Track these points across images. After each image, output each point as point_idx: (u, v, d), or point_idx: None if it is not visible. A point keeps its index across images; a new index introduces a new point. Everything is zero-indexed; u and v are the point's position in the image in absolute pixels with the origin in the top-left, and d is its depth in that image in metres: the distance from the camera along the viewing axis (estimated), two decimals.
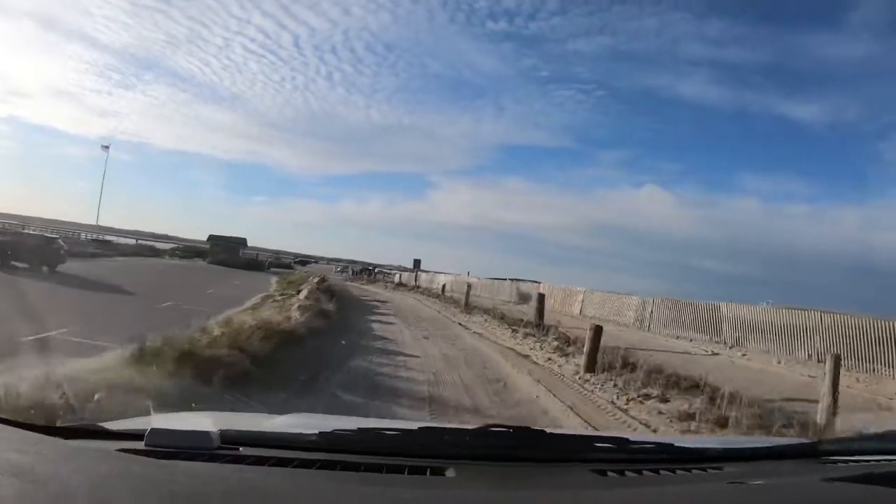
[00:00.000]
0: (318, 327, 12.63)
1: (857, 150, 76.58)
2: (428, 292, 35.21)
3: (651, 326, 23.64)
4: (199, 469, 1.36)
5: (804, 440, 2.53)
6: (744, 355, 18.77)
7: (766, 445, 2.21)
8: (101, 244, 55.77)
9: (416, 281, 45.24)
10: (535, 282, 39.14)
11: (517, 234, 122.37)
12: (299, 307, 13.03)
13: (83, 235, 65.49)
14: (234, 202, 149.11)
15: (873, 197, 79.09)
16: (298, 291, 22.78)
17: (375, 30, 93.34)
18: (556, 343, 13.81)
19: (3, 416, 1.61)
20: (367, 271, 71.81)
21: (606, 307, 27.08)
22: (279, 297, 21.78)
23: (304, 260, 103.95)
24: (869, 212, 76.48)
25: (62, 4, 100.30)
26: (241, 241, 69.57)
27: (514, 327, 17.25)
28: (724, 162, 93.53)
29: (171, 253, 67.17)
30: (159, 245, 74.71)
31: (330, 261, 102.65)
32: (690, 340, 21.04)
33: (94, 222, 75.79)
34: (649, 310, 24.12)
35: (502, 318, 19.69)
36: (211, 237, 68.11)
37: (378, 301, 28.34)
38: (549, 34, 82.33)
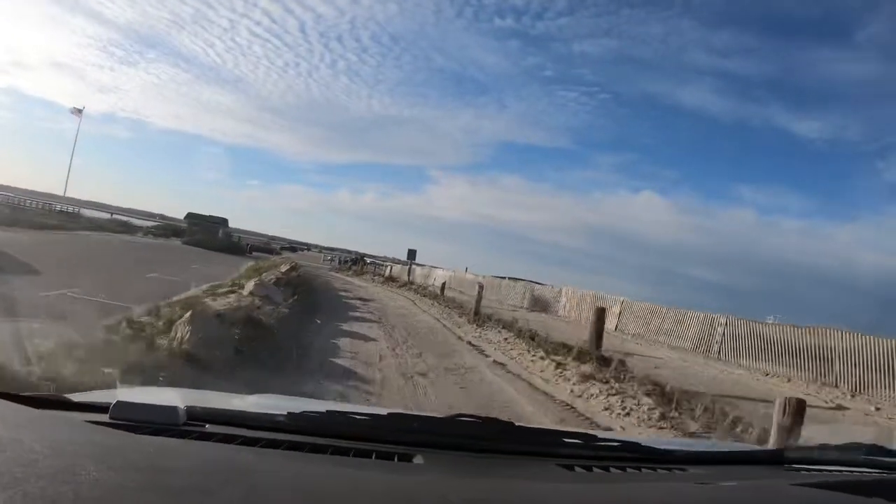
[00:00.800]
0: (224, 356, 6.68)
1: (855, 168, 76.42)
2: (423, 290, 29.09)
3: (721, 354, 17.73)
4: (165, 444, 1.31)
5: (769, 447, 2.57)
6: (877, 409, 12.93)
7: (731, 450, 2.28)
8: (66, 216, 51.43)
9: (409, 276, 38.82)
10: (535, 282, 33.55)
11: (512, 232, 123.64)
12: (187, 321, 6.94)
13: (56, 207, 60.27)
14: (230, 185, 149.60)
15: (867, 215, 78.79)
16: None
17: (382, 20, 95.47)
18: (650, 400, 7.84)
19: None
20: (356, 261, 65.87)
21: (653, 323, 21.16)
22: (226, 289, 15.89)
23: (295, 246, 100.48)
24: (862, 230, 76.68)
25: None
26: (221, 221, 63.87)
27: (555, 357, 11.25)
28: (723, 172, 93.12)
29: (147, 231, 61.49)
30: (140, 222, 70.34)
31: (323, 249, 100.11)
32: (788, 380, 15.16)
33: (88, 197, 75.17)
34: (719, 332, 18.18)
35: (532, 337, 13.66)
36: (189, 216, 62.57)
37: (360, 300, 22.32)
38: (555, 34, 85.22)
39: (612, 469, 1.64)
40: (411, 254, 38.59)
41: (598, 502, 1.34)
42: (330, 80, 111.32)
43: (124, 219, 68.07)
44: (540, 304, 29.26)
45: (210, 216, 62.99)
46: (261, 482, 1.09)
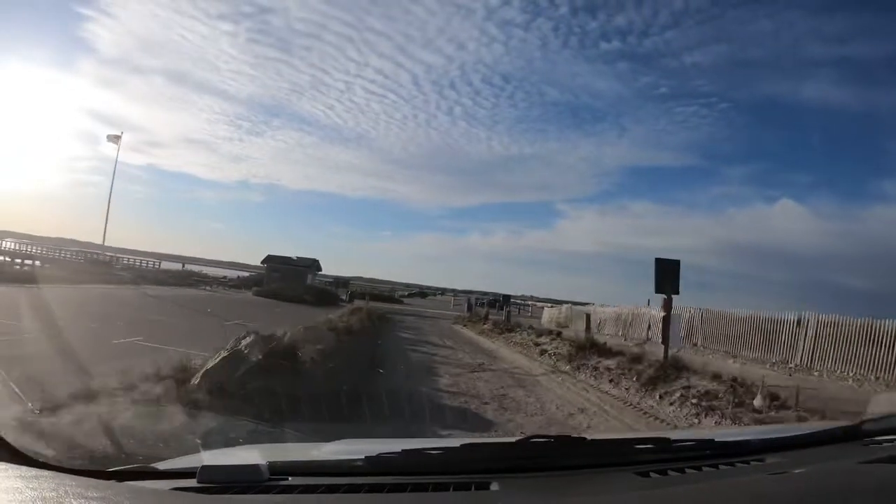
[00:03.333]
0: None
1: None
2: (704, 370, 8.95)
3: None
4: (252, 501, 1.39)
5: (845, 423, 2.19)
6: None
7: (807, 432, 2.17)
8: (101, 265, 41.71)
9: (665, 327, 11.64)
10: None
11: (645, 259, 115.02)
12: None
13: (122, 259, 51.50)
14: (363, 238, 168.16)
15: None
16: None
17: (490, 62, 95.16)
18: None
19: (61, 464, 1.62)
20: (494, 303, 46.77)
21: None
22: None
23: (425, 292, 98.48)
24: None
25: (191, 61, 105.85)
26: (309, 265, 47.89)
27: None
28: (859, 168, 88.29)
29: (217, 282, 48.17)
30: (221, 272, 62.19)
31: (458, 293, 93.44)
32: None
33: (224, 258, 72.01)
34: None
35: None
36: (267, 259, 47.00)
37: None
38: (663, 49, 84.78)
39: (687, 470, 1.63)
40: (666, 270, 11.62)
41: None
42: (448, 126, 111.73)
43: (199, 270, 57.73)
44: None
45: (294, 258, 47.43)
46: None
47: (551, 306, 43.05)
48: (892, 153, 74.84)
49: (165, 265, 57.33)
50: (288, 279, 42.49)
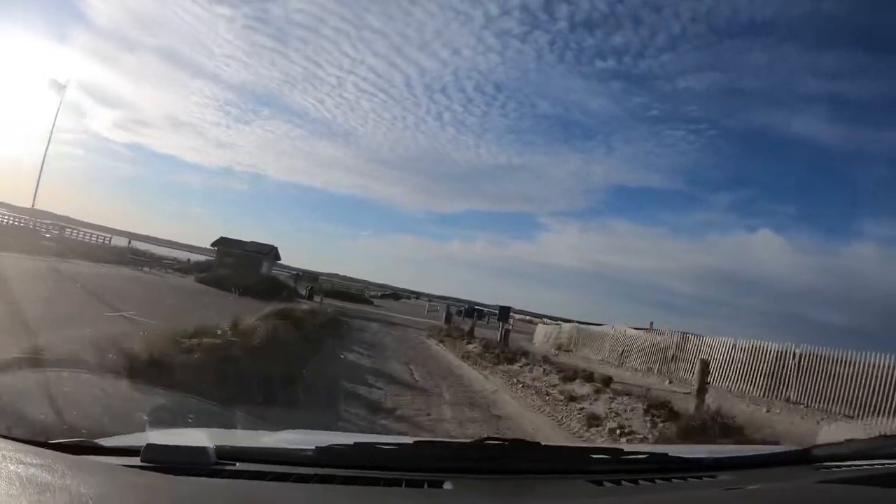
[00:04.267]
0: None
1: None
2: None
3: None
4: (198, 483, 1.32)
5: (796, 447, 2.23)
6: None
7: (759, 454, 2.18)
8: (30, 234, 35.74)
9: None
10: None
11: (625, 279, 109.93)
12: None
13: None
14: (345, 234, 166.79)
15: None
16: None
17: (485, 70, 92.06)
18: None
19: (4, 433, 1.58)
20: (476, 311, 41.45)
21: None
22: None
23: (399, 294, 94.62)
24: None
25: (186, 43, 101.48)
26: (266, 252, 41.36)
27: None
28: (843, 205, 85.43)
29: (162, 264, 42.01)
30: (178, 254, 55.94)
31: (433, 298, 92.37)
32: None
33: (200, 243, 66.23)
34: None
35: None
36: (220, 241, 40.48)
37: None
38: (658, 71, 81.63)
39: (641, 481, 1.61)
40: None
41: None
42: (437, 131, 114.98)
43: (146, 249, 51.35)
44: None
45: (249, 243, 41.02)
46: None
47: (547, 322, 37.08)
48: (873, 192, 74.66)
49: (118, 241, 52.13)
50: (239, 266, 36.58)
